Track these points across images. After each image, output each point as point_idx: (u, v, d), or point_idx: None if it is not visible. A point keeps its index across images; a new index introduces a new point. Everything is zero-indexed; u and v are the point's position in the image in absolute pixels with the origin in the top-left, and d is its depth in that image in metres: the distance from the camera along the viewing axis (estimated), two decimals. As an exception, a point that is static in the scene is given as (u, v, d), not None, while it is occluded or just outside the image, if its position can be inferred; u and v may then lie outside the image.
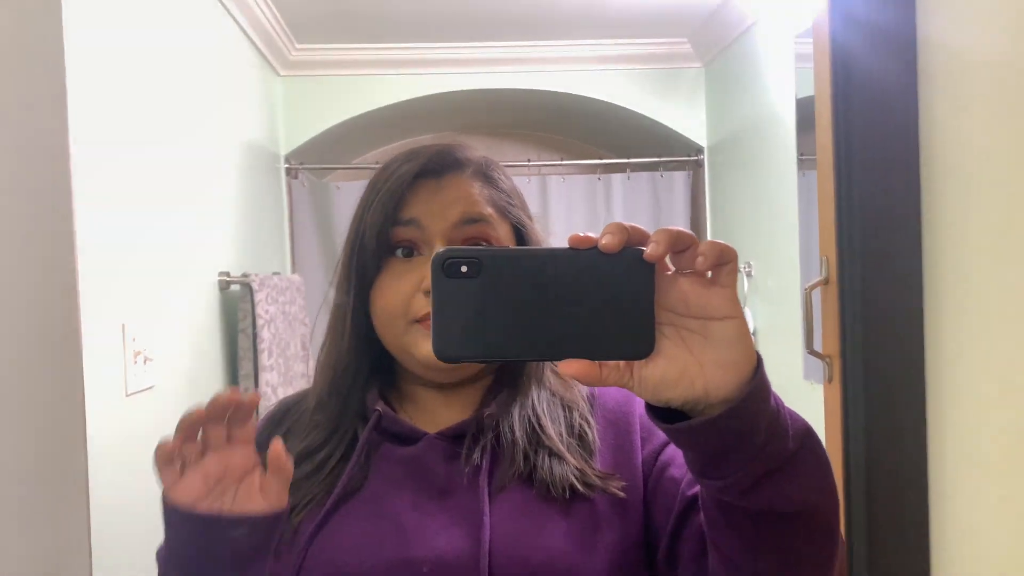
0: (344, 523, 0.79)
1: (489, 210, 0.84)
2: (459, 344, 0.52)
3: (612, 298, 0.52)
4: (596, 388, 0.89)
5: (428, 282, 0.77)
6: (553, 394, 0.86)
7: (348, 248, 0.86)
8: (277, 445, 0.69)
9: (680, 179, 3.43)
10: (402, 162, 0.85)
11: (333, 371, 0.87)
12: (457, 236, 0.82)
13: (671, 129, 3.34)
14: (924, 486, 0.39)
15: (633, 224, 0.53)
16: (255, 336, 2.23)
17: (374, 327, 0.85)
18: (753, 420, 0.55)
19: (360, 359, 0.86)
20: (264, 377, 2.24)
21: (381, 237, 0.82)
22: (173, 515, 0.69)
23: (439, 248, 0.79)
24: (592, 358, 0.53)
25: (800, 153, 2.38)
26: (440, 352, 0.52)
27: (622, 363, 0.54)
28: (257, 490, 0.70)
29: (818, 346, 0.98)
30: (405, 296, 0.81)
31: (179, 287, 1.95)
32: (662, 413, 0.57)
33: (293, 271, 3.14)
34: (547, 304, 0.52)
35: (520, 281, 0.52)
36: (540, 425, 0.81)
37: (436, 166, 0.84)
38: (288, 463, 0.70)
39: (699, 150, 3.36)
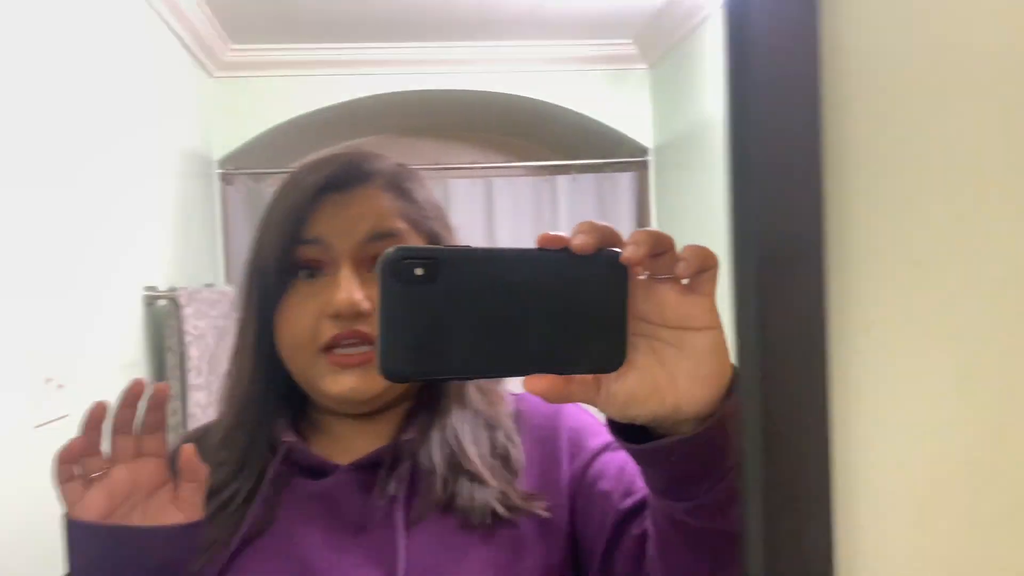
0: (250, 565, 0.73)
1: (401, 224, 0.78)
2: (410, 360, 0.45)
3: (583, 305, 0.47)
4: (522, 404, 0.85)
5: (334, 306, 0.73)
6: (476, 413, 0.81)
7: (248, 269, 0.80)
8: (188, 451, 0.67)
9: (626, 180, 3.41)
10: (305, 174, 0.78)
11: (238, 402, 0.82)
12: (366, 254, 0.76)
13: (617, 130, 3.32)
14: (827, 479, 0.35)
15: (606, 223, 0.48)
16: (183, 354, 2.14)
17: (279, 354, 0.79)
18: (728, 439, 0.50)
19: (266, 388, 0.81)
20: (193, 397, 2.15)
21: (282, 258, 0.76)
22: (78, 532, 0.64)
23: (346, 269, 0.75)
24: (560, 372, 0.47)
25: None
26: (387, 370, 0.45)
27: (590, 377, 0.49)
28: (170, 502, 0.67)
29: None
30: (310, 322, 0.75)
31: (98, 305, 1.85)
32: (624, 430, 0.53)
33: (228, 282, 3.03)
34: (511, 312, 0.46)
35: (482, 285, 0.45)
36: (461, 448, 0.77)
37: (341, 179, 0.77)
38: (202, 469, 0.68)
39: (645, 151, 3.34)
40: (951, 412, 0.39)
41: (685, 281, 0.49)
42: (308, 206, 0.76)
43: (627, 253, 0.47)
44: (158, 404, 0.69)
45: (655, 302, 0.49)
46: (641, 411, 0.50)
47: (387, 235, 0.77)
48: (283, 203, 0.78)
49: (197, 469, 0.68)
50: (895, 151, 0.39)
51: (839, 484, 0.38)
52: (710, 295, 0.49)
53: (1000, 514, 0.39)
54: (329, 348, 0.75)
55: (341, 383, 0.75)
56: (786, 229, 0.37)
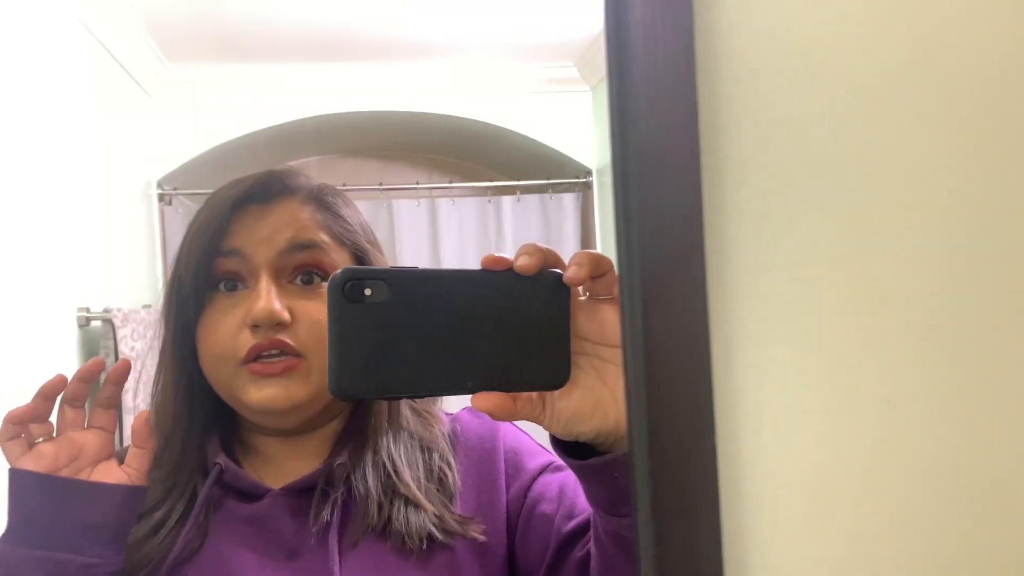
0: None
1: (323, 236, 0.77)
2: (359, 378, 0.46)
3: (527, 324, 0.48)
4: (458, 425, 0.85)
5: (253, 315, 0.72)
6: (411, 436, 0.81)
7: (168, 284, 0.79)
8: (140, 417, 0.67)
9: (570, 201, 3.45)
10: (226, 189, 0.78)
11: (165, 422, 0.79)
12: (285, 265, 0.76)
13: (561, 152, 3.36)
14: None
15: (547, 246, 0.50)
16: (118, 376, 2.09)
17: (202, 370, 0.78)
18: None
19: (192, 407, 0.79)
20: (129, 420, 2.10)
21: (200, 271, 0.75)
22: (21, 480, 0.64)
23: (265, 279, 0.74)
24: (507, 390, 0.48)
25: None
26: (337, 388, 0.46)
27: (535, 395, 0.51)
28: (115, 467, 0.68)
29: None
30: (230, 334, 0.74)
31: (29, 326, 1.80)
32: (567, 447, 0.54)
33: (167, 302, 2.98)
34: (458, 331, 0.47)
35: (429, 305, 0.47)
36: (396, 471, 0.77)
37: (261, 191, 0.77)
38: (151, 438, 0.68)
39: (588, 172, 3.39)
40: (831, 424, 0.41)
41: None
42: (227, 217, 0.75)
43: (569, 274, 0.49)
44: (116, 380, 0.69)
45: (596, 322, 0.51)
46: (585, 427, 0.51)
47: (307, 246, 0.76)
48: (202, 216, 0.77)
49: (147, 437, 0.68)
50: (775, 172, 0.42)
51: (725, 494, 0.40)
52: None
53: (878, 520, 0.41)
54: (249, 359, 0.74)
55: (262, 393, 0.74)
56: (666, 246, 0.39)
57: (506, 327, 0.48)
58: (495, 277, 0.48)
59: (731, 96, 0.40)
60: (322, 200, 0.80)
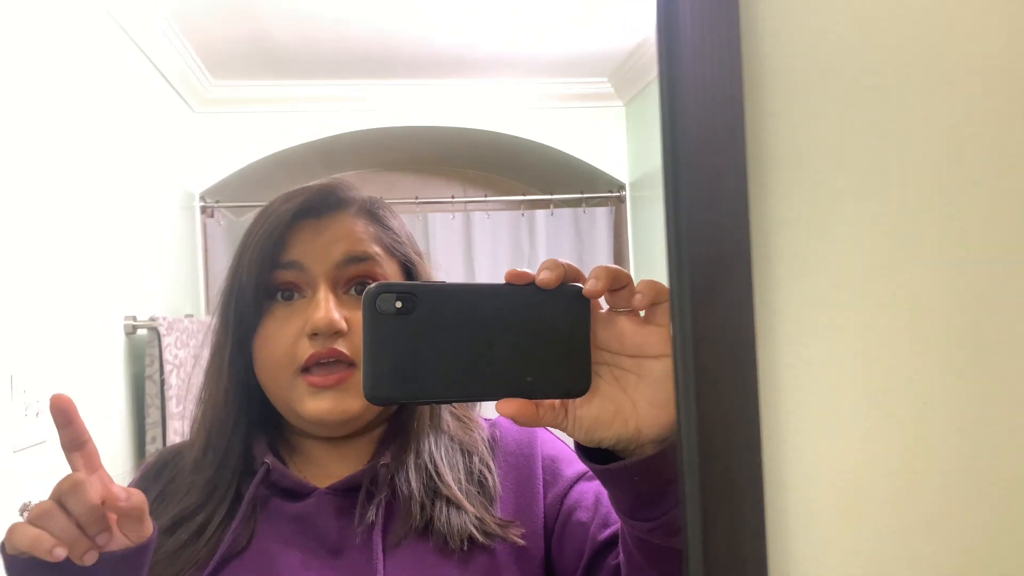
0: None
1: (375, 248, 0.81)
2: (392, 385, 0.50)
3: (549, 335, 0.51)
4: (497, 430, 0.87)
5: (313, 323, 0.76)
6: (451, 439, 0.83)
7: (225, 293, 0.82)
8: (111, 494, 0.63)
9: (603, 215, 3.46)
10: (282, 202, 0.81)
11: (210, 426, 0.82)
12: (341, 276, 0.79)
13: (593, 166, 3.38)
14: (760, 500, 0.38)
15: (567, 261, 0.53)
16: (163, 382, 2.15)
17: (256, 377, 0.81)
18: None
19: (240, 412, 0.81)
20: (172, 425, 2.15)
21: (260, 281, 0.78)
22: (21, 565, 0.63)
23: (323, 290, 0.78)
24: (529, 397, 0.51)
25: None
26: (371, 393, 0.50)
27: (558, 402, 0.53)
28: (117, 530, 0.65)
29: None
30: (289, 342, 0.77)
31: (79, 333, 1.86)
32: (591, 454, 0.56)
33: (207, 313, 3.05)
34: (483, 341, 0.50)
35: (456, 317, 0.50)
36: (437, 473, 0.79)
37: (317, 205, 0.80)
38: (134, 498, 0.64)
39: (621, 186, 3.41)
40: (868, 423, 0.43)
41: (642, 313, 0.54)
42: (285, 230, 0.79)
43: (587, 287, 0.52)
44: (65, 420, 0.65)
45: (615, 332, 0.54)
46: (606, 434, 0.54)
47: (362, 258, 0.79)
48: (261, 229, 0.80)
49: (130, 503, 0.64)
50: (816, 181, 0.44)
51: (769, 487, 0.42)
52: (665, 325, 0.53)
53: (912, 516, 0.43)
54: (307, 368, 0.77)
55: (318, 405, 0.77)
56: (714, 256, 0.41)
57: (529, 338, 0.51)
58: (518, 291, 0.51)
59: (775, 112, 0.43)
60: (373, 213, 0.84)
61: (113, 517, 0.65)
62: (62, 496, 0.62)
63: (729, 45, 0.41)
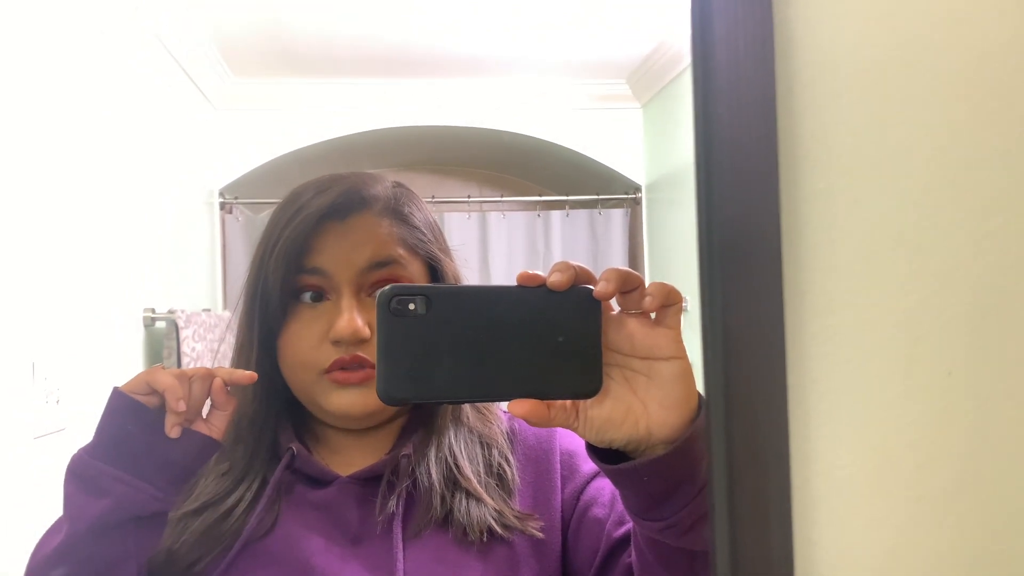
0: (251, 569, 0.75)
1: (399, 251, 0.81)
2: (405, 385, 0.50)
3: (560, 336, 0.51)
4: (516, 423, 0.87)
5: (336, 332, 0.77)
6: (471, 431, 0.83)
7: (250, 292, 0.82)
8: (219, 383, 0.71)
9: (618, 217, 3.47)
10: (307, 199, 0.81)
11: (239, 420, 0.82)
12: (365, 281, 0.79)
13: (610, 168, 3.39)
14: (788, 512, 0.39)
15: (581, 263, 0.53)
16: (180, 374, 2.16)
17: (281, 373, 0.81)
18: (696, 461, 0.54)
19: (266, 405, 0.83)
20: (190, 416, 2.17)
21: (286, 284, 0.79)
22: (125, 404, 0.69)
23: (347, 297, 0.78)
24: (541, 397, 0.52)
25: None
26: (385, 394, 0.50)
27: (569, 403, 0.54)
28: (199, 421, 0.72)
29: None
30: (313, 346, 0.78)
31: (99, 323, 1.88)
32: (603, 454, 0.57)
33: (225, 308, 3.07)
34: (495, 342, 0.51)
35: (468, 319, 0.51)
36: (457, 465, 0.79)
37: (341, 207, 0.80)
38: (231, 401, 0.73)
39: (637, 188, 3.41)
40: (894, 391, 0.43)
41: (653, 315, 0.54)
42: (309, 234, 0.78)
43: (599, 289, 0.52)
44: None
45: (626, 334, 0.54)
46: (617, 435, 0.54)
47: (386, 263, 0.79)
48: (285, 228, 0.80)
49: (226, 400, 0.72)
50: (844, 154, 0.44)
51: (795, 458, 0.42)
52: (675, 327, 0.54)
53: (937, 484, 0.43)
54: (330, 371, 0.78)
55: (342, 400, 0.78)
56: (744, 226, 0.42)
57: (540, 339, 0.51)
58: (530, 292, 0.52)
59: (808, 80, 0.43)
60: (397, 211, 0.83)
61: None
62: (194, 375, 0.71)
63: (761, 19, 0.41)
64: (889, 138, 0.44)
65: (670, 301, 0.53)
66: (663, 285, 0.53)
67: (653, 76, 3.11)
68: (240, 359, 0.84)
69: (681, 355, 0.53)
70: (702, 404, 0.54)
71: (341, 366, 0.77)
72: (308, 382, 0.79)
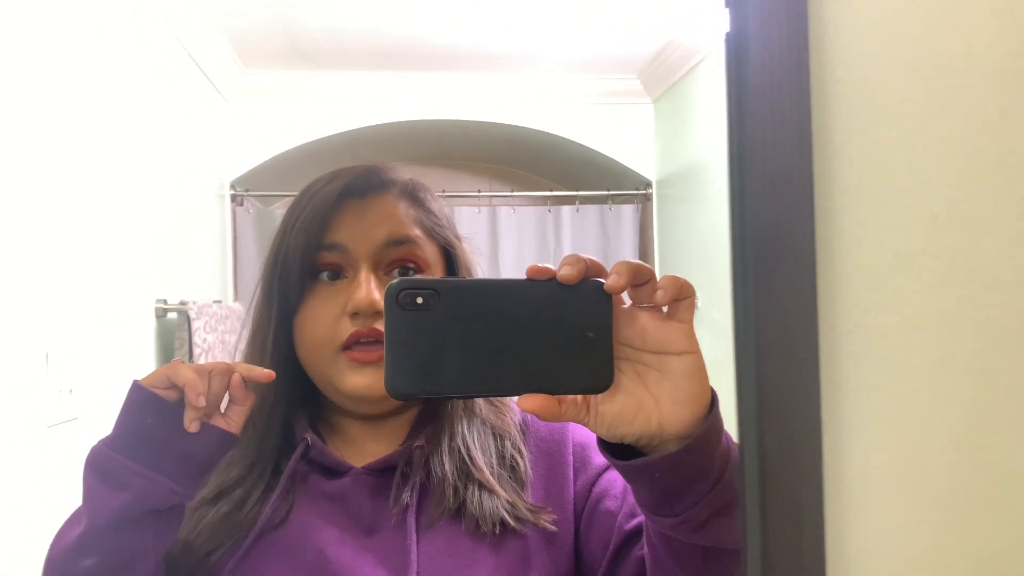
0: (266, 558, 0.75)
1: (416, 231, 0.82)
2: (413, 380, 0.50)
3: (571, 331, 0.51)
4: (528, 415, 0.87)
5: (354, 303, 0.77)
6: (484, 423, 0.84)
7: (268, 272, 0.83)
8: (237, 378, 0.71)
9: (629, 212, 3.46)
10: (325, 182, 0.82)
11: (254, 408, 0.81)
12: (384, 258, 0.80)
13: (620, 163, 3.38)
14: (821, 516, 0.38)
15: (590, 256, 0.52)
16: (191, 366, 2.17)
17: (297, 355, 0.82)
18: (708, 457, 0.53)
19: (281, 390, 0.83)
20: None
21: (305, 261, 0.79)
22: (145, 397, 0.69)
23: (365, 271, 0.78)
24: (551, 392, 0.51)
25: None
26: (393, 389, 0.50)
27: (580, 398, 0.53)
28: (217, 416, 0.72)
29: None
30: (331, 321, 0.78)
31: (112, 314, 1.89)
32: (615, 449, 0.56)
33: (236, 300, 3.07)
34: (505, 337, 0.50)
35: (478, 313, 0.50)
36: (470, 457, 0.79)
37: (360, 186, 0.81)
38: (250, 396, 0.72)
39: (648, 184, 3.40)
40: (928, 390, 0.43)
41: (665, 309, 0.53)
42: (329, 212, 0.79)
43: (610, 282, 0.51)
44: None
45: (637, 328, 0.53)
46: (628, 430, 0.53)
47: (404, 241, 0.80)
48: (305, 209, 0.81)
49: (244, 395, 0.72)
50: (879, 153, 0.44)
51: (828, 456, 0.42)
52: (688, 322, 0.53)
53: (970, 483, 0.43)
54: (348, 347, 0.78)
55: (358, 380, 0.78)
56: (777, 224, 0.41)
57: (550, 333, 0.51)
58: (539, 286, 0.51)
59: (840, 78, 0.43)
60: (415, 195, 0.84)
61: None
62: (213, 370, 0.70)
63: (796, 16, 0.41)
64: (924, 137, 0.43)
65: (682, 295, 0.52)
66: (675, 278, 0.52)
67: (665, 72, 3.10)
68: (257, 339, 0.84)
69: (694, 349, 0.53)
70: (715, 399, 0.54)
71: (358, 339, 0.77)
72: (325, 362, 0.79)
